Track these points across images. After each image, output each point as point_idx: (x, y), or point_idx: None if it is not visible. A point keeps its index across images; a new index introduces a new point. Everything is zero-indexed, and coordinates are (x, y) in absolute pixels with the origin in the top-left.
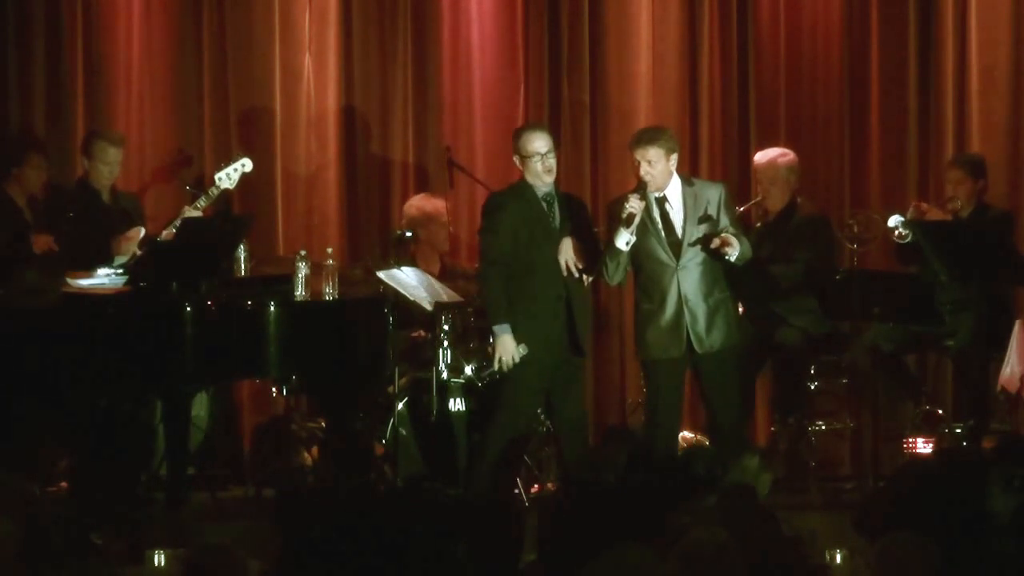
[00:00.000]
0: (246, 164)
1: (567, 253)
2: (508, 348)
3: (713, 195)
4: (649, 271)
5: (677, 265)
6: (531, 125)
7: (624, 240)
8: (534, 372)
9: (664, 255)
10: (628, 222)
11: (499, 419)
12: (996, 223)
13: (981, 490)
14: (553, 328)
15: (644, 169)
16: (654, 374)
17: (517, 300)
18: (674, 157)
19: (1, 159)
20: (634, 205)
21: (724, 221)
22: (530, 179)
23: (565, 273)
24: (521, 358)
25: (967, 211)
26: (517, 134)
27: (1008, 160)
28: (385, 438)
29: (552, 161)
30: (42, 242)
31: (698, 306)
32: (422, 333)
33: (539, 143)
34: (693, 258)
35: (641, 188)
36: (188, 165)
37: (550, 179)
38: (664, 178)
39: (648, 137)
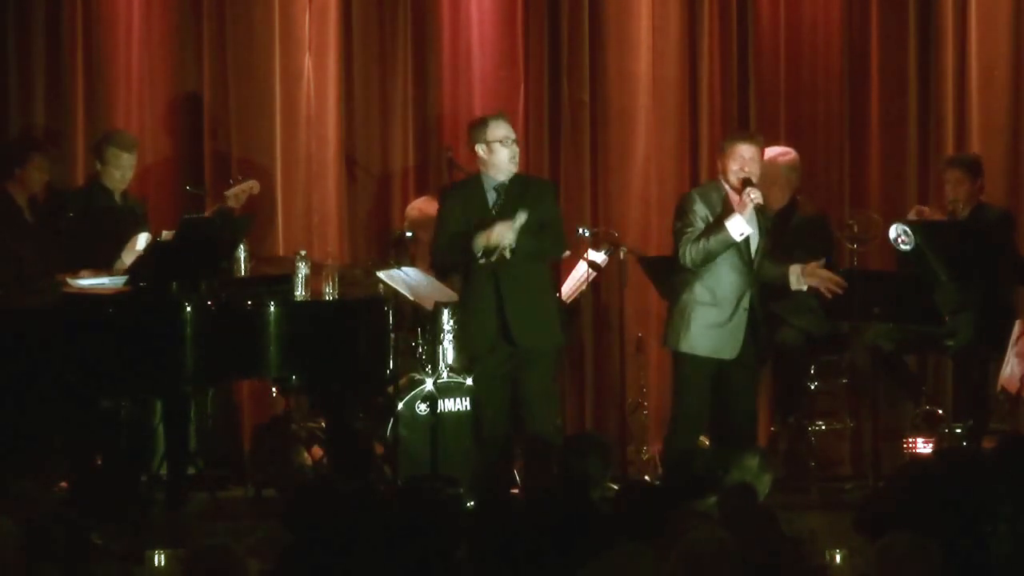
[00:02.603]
0: (254, 188)
1: (486, 236)
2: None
3: (763, 209)
4: (724, 274)
5: (751, 273)
6: (496, 114)
7: (740, 231)
8: (482, 366)
9: (742, 261)
10: (760, 209)
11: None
12: (996, 222)
13: (981, 490)
14: (486, 319)
15: (751, 168)
16: (690, 367)
17: (462, 291)
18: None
19: (4, 159)
20: (758, 196)
21: None
22: (492, 171)
23: (478, 255)
24: (469, 355)
25: (966, 211)
26: (481, 122)
27: (1008, 160)
28: (385, 438)
29: (517, 148)
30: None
31: (761, 318)
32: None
33: (505, 129)
34: (759, 265)
35: (750, 182)
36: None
37: (514, 168)
38: (758, 177)
39: (751, 135)
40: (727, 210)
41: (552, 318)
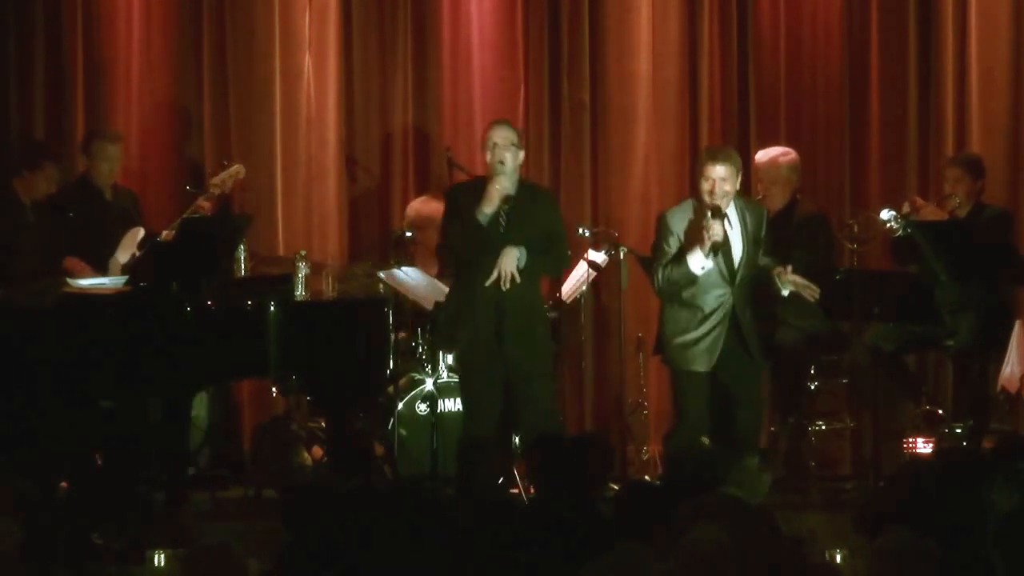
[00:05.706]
0: (239, 172)
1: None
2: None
3: (759, 217)
4: (705, 290)
5: (733, 286)
6: (498, 120)
7: (700, 265)
8: (477, 364)
9: (721, 277)
10: (715, 249)
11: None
12: (994, 221)
13: (981, 490)
14: (482, 332)
15: (719, 188)
16: (681, 380)
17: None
18: (739, 178)
19: (17, 158)
20: (718, 232)
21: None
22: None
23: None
24: (462, 351)
25: (965, 210)
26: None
27: (1008, 160)
28: (385, 438)
29: (512, 154)
30: (73, 264)
31: (748, 320)
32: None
33: (499, 134)
34: (744, 276)
35: (717, 212)
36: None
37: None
38: (731, 198)
39: (723, 155)
40: (690, 238)
41: (544, 333)
